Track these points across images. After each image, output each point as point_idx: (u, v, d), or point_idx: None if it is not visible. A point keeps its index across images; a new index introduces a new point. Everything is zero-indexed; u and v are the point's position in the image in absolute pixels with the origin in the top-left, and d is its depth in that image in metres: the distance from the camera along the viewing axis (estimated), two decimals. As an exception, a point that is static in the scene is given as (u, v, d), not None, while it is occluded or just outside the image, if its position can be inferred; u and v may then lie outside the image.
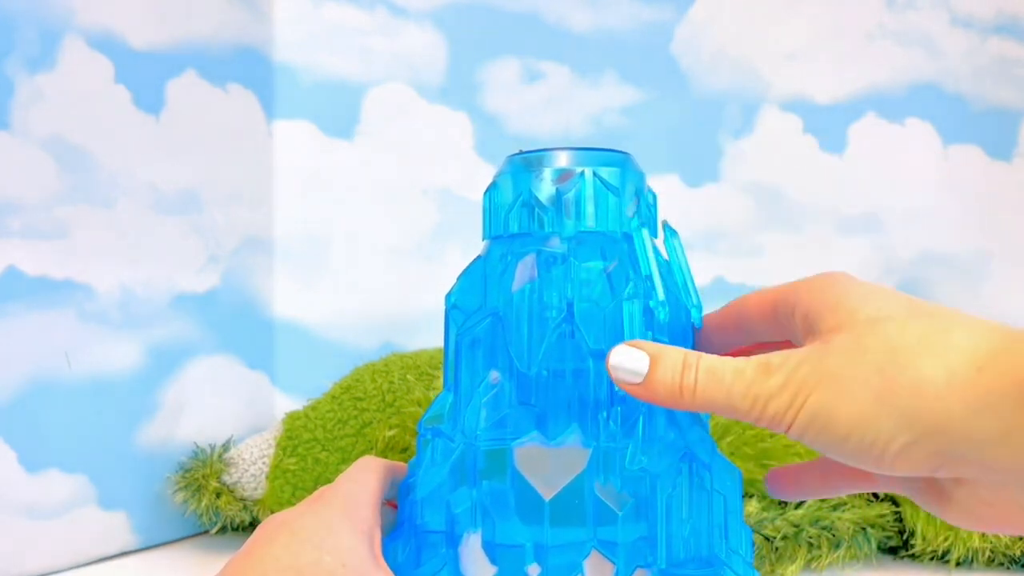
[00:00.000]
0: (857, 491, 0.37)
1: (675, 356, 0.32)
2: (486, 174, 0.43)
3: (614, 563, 0.34)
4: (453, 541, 0.36)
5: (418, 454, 0.38)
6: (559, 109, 0.84)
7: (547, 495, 0.34)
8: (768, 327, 0.35)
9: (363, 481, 0.37)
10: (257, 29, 0.80)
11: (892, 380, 0.28)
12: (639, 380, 0.33)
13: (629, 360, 0.33)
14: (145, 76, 0.68)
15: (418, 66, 0.84)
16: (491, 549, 0.35)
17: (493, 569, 0.35)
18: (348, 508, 0.35)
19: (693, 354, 0.32)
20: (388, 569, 0.34)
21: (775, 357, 0.31)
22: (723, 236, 0.83)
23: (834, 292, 0.32)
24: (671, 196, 0.82)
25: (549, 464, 0.35)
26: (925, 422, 0.28)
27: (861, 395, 0.28)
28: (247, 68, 0.78)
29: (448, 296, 0.39)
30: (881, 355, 0.29)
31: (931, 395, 0.27)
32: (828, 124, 0.83)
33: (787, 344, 0.34)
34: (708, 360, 0.32)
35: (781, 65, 0.83)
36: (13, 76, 0.59)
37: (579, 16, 0.84)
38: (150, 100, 0.68)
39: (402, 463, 0.40)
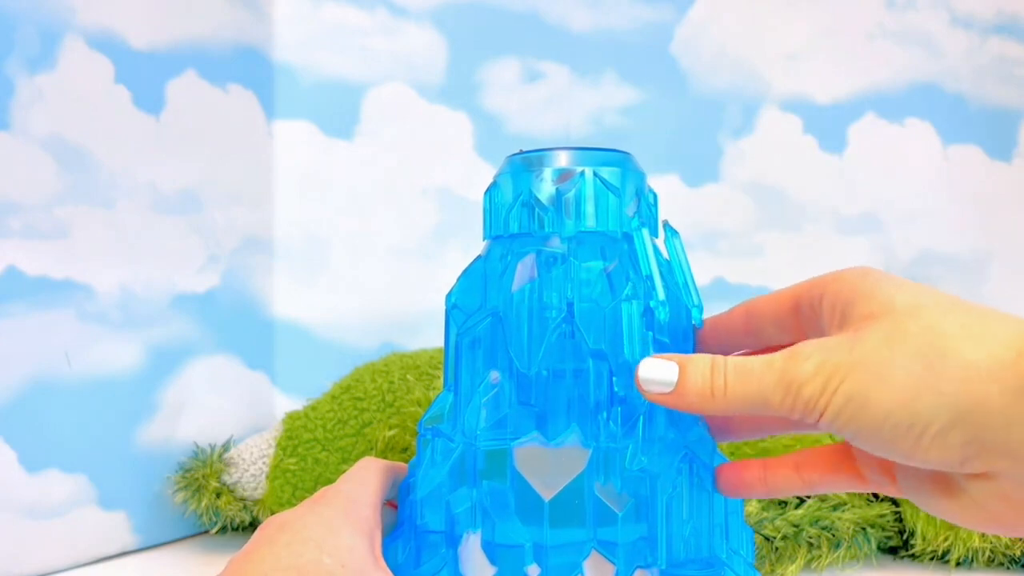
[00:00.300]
0: (836, 490, 0.36)
1: (703, 360, 0.33)
2: (486, 174, 0.43)
3: (614, 563, 0.34)
4: (453, 541, 0.36)
5: (418, 454, 0.38)
6: (559, 109, 0.84)
7: (547, 495, 0.34)
8: (783, 327, 0.35)
9: (364, 482, 0.37)
10: (257, 29, 0.80)
11: (934, 363, 0.28)
12: (670, 389, 0.33)
13: (658, 371, 0.33)
14: (145, 76, 0.68)
15: (418, 66, 0.84)
16: (491, 549, 0.35)
17: (493, 569, 0.35)
18: (349, 509, 0.35)
19: (720, 357, 0.33)
20: (388, 570, 0.34)
21: (805, 345, 0.31)
22: (723, 236, 0.83)
23: (867, 282, 0.32)
24: (671, 196, 0.82)
25: (549, 464, 0.35)
26: (965, 406, 0.28)
27: (901, 378, 0.28)
28: (247, 68, 0.78)
29: (448, 296, 0.39)
30: (923, 340, 0.29)
31: (973, 379, 0.28)
32: (828, 124, 0.83)
33: None
34: (735, 359, 0.32)
35: (781, 65, 0.83)
36: (13, 76, 0.59)
37: (579, 16, 0.84)
38: (150, 100, 0.68)
39: (403, 463, 0.40)
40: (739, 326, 0.37)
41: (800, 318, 0.34)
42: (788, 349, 0.31)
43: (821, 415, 0.30)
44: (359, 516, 0.35)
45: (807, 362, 0.30)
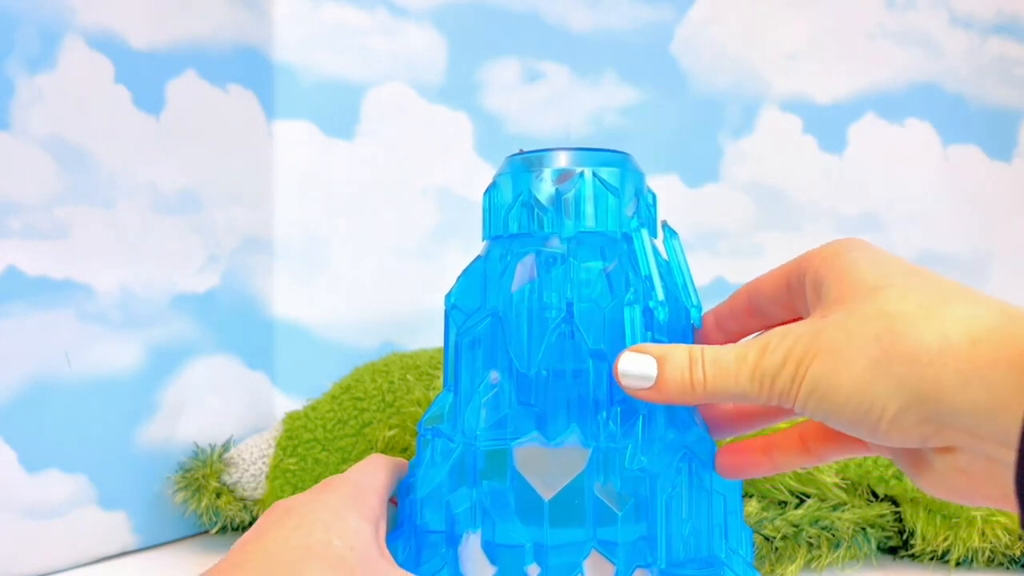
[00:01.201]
0: (842, 457, 0.36)
1: (680, 354, 0.33)
2: (486, 174, 0.43)
3: (614, 563, 0.34)
4: (453, 541, 0.36)
5: (418, 454, 0.39)
6: (559, 109, 0.84)
7: (547, 495, 0.34)
8: (781, 304, 0.35)
9: (371, 473, 0.37)
10: (257, 29, 0.80)
11: (888, 347, 0.28)
12: (650, 384, 0.33)
13: (637, 366, 0.33)
14: (145, 76, 0.68)
15: (418, 66, 0.84)
16: (491, 549, 0.35)
17: (493, 569, 0.35)
18: (355, 496, 0.35)
19: (696, 348, 0.33)
20: (392, 559, 0.34)
21: (773, 336, 0.31)
22: (723, 236, 0.83)
23: (844, 260, 0.32)
24: (671, 196, 0.82)
25: (549, 464, 0.35)
26: (918, 389, 0.28)
27: (858, 362, 0.29)
28: (247, 68, 0.78)
29: (448, 296, 0.39)
30: (878, 322, 0.29)
31: (925, 363, 0.28)
32: (828, 124, 0.83)
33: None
34: (712, 352, 0.33)
35: (781, 65, 0.83)
36: (13, 76, 0.59)
37: (579, 16, 0.84)
38: (150, 100, 0.68)
39: (407, 461, 0.41)
40: (743, 307, 0.37)
41: (792, 295, 0.35)
42: (758, 340, 0.32)
43: (794, 402, 0.31)
44: (365, 504, 0.35)
45: (775, 353, 0.31)
